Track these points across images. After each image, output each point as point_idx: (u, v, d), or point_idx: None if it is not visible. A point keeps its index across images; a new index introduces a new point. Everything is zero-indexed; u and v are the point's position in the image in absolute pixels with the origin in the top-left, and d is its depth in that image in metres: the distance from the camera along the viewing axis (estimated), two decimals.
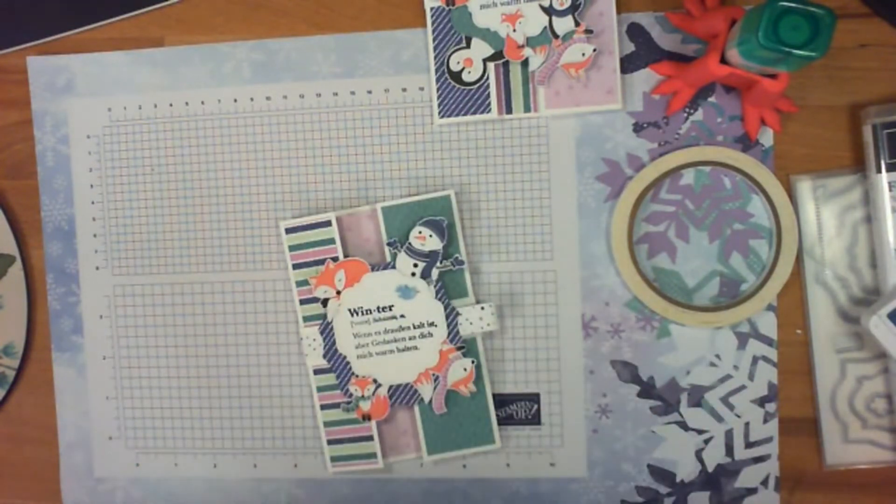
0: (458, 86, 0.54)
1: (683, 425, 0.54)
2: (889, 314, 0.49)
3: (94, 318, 0.59)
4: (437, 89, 0.55)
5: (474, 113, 0.54)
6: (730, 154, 0.53)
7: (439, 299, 0.54)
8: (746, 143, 0.53)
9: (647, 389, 0.54)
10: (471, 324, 0.54)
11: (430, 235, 0.53)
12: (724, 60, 0.48)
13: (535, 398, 0.55)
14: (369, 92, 0.56)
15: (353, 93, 0.56)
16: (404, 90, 0.55)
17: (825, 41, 0.42)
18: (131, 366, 0.59)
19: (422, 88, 0.55)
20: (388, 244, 0.54)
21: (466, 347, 0.54)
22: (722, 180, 0.54)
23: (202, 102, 0.57)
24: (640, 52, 0.54)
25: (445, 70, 0.54)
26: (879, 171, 0.50)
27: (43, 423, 0.60)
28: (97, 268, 0.59)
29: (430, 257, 0.53)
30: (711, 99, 0.53)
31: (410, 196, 0.55)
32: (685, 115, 0.54)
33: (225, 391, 0.58)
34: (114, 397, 0.59)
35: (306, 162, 0.56)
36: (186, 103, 0.57)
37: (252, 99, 0.57)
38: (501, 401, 0.55)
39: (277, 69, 0.56)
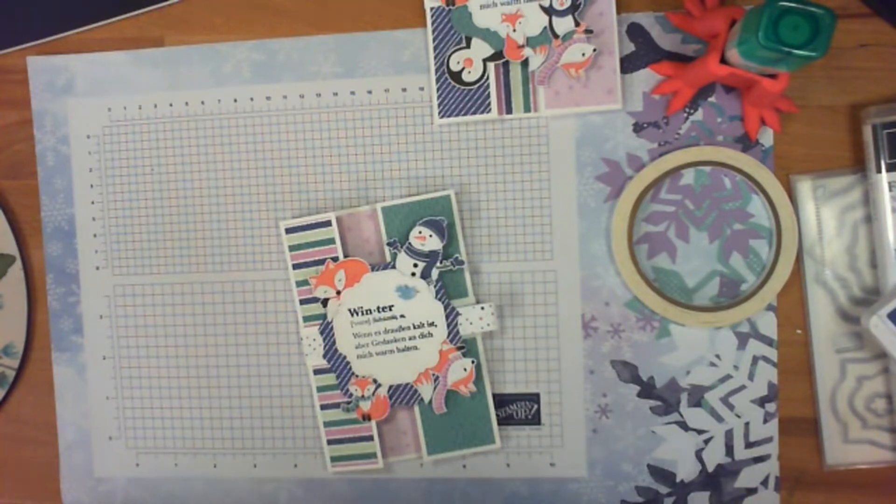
0: (458, 86, 0.54)
1: (683, 425, 0.54)
2: (889, 314, 0.49)
3: (94, 318, 0.59)
4: (437, 89, 0.55)
5: (474, 113, 0.54)
6: (730, 154, 0.53)
7: (439, 299, 0.54)
8: (746, 143, 0.53)
9: (647, 389, 0.54)
10: (471, 324, 0.54)
11: (430, 235, 0.53)
12: (724, 60, 0.48)
13: (535, 398, 0.55)
14: (369, 92, 0.56)
15: (353, 93, 0.56)
16: (404, 90, 0.55)
17: (825, 41, 0.42)
18: (131, 366, 0.59)
19: (422, 88, 0.55)
20: (388, 244, 0.54)
21: (466, 347, 0.54)
22: (722, 180, 0.54)
23: (202, 102, 0.57)
24: (640, 52, 0.54)
25: (445, 70, 0.54)
26: (879, 171, 0.50)
27: (43, 423, 0.60)
28: (97, 268, 0.59)
29: (430, 257, 0.53)
30: (711, 99, 0.53)
31: (410, 196, 0.55)
32: (685, 115, 0.54)
33: (225, 391, 0.58)
34: (114, 397, 0.59)
35: (306, 162, 0.56)
36: (186, 103, 0.57)
37: (252, 99, 0.57)
38: (501, 401, 0.55)
39: (277, 69, 0.56)
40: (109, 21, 0.58)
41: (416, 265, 0.53)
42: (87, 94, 0.58)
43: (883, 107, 0.51)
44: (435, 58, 0.54)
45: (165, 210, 0.58)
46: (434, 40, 0.54)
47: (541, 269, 0.55)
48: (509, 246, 0.55)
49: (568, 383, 0.55)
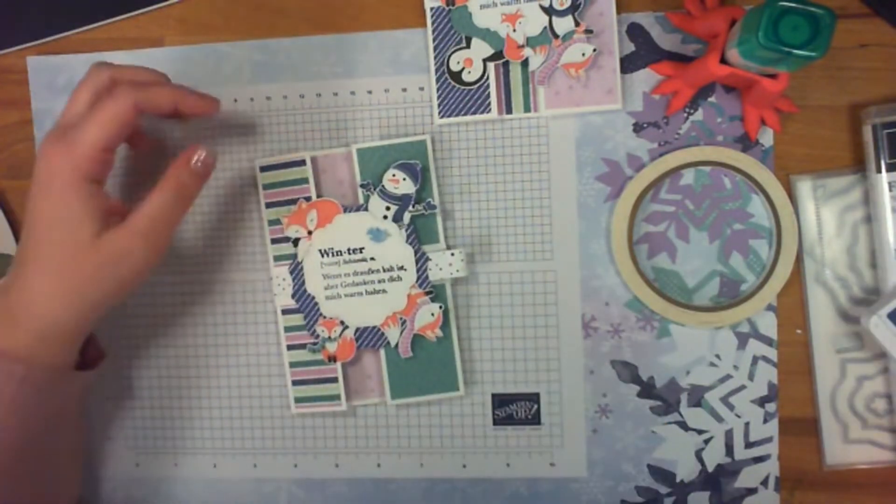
0: (458, 86, 0.54)
1: (683, 425, 0.54)
2: (889, 314, 0.49)
3: None
4: (437, 89, 0.55)
5: (474, 113, 0.54)
6: (730, 154, 0.53)
7: (410, 243, 0.53)
8: (746, 143, 0.53)
9: (647, 389, 0.54)
10: (440, 269, 0.53)
11: (404, 179, 0.53)
12: (724, 60, 0.48)
13: (535, 398, 0.55)
14: (369, 92, 0.56)
15: (353, 93, 0.56)
16: (404, 90, 0.55)
17: (825, 41, 0.42)
18: (131, 366, 0.58)
19: (422, 88, 0.55)
20: (362, 186, 0.54)
21: (435, 293, 0.54)
22: (722, 180, 0.54)
23: None
24: (640, 52, 0.54)
25: (445, 70, 0.54)
26: (879, 171, 0.50)
27: None
28: None
29: (402, 200, 0.53)
30: (711, 99, 0.53)
31: (386, 139, 0.55)
32: (685, 115, 0.54)
33: (225, 391, 0.58)
34: (113, 397, 0.59)
35: None
36: None
37: (252, 99, 0.57)
38: (501, 401, 0.55)
39: (277, 69, 0.56)
40: (109, 21, 0.58)
41: (388, 208, 0.53)
42: None
43: (883, 107, 0.51)
44: (435, 58, 0.54)
45: None
46: (434, 40, 0.54)
47: (541, 269, 0.55)
48: (509, 246, 0.55)
49: (568, 383, 0.55)
